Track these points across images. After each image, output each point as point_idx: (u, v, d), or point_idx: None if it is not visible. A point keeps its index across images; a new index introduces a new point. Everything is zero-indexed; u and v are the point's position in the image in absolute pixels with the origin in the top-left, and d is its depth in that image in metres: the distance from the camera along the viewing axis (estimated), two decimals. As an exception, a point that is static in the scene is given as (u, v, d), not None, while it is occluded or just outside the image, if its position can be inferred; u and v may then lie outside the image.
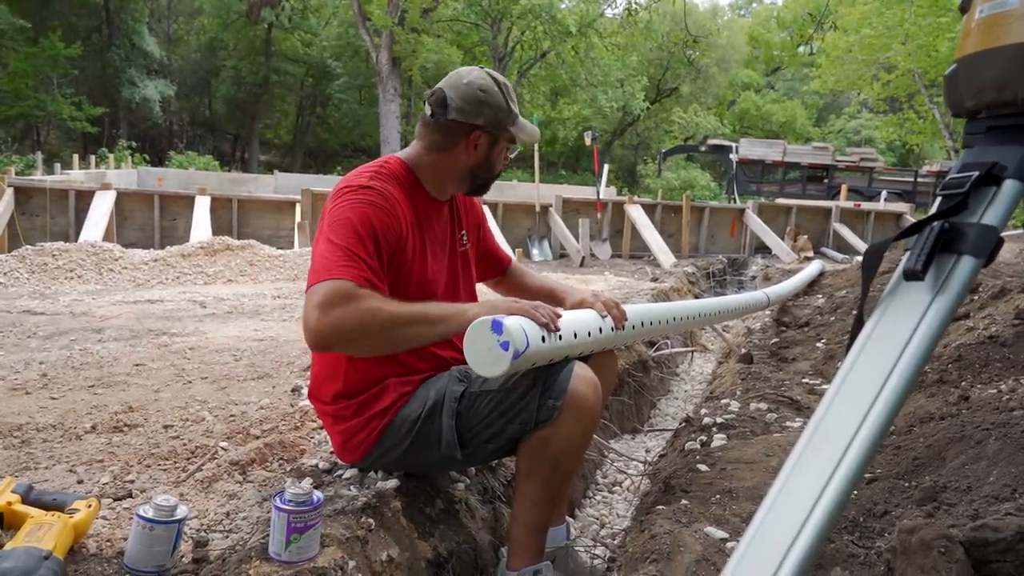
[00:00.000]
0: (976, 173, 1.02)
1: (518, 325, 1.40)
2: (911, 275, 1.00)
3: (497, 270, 2.00)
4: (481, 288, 1.95)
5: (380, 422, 1.61)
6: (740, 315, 4.14)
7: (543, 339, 1.45)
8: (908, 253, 1.03)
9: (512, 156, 1.78)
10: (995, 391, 2.30)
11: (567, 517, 1.96)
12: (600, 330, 1.65)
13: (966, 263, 0.99)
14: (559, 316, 1.52)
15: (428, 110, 1.65)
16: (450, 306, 1.53)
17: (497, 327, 1.38)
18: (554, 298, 1.86)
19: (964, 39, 1.10)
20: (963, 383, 2.52)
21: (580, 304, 1.74)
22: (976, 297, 3.48)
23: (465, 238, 1.82)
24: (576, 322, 1.59)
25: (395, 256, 1.55)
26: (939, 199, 1.06)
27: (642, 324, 1.85)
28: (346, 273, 1.40)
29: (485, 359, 1.39)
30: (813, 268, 6.43)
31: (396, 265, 1.57)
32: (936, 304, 0.97)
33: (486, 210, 2.02)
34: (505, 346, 1.37)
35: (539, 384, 1.50)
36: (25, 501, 1.37)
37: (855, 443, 0.90)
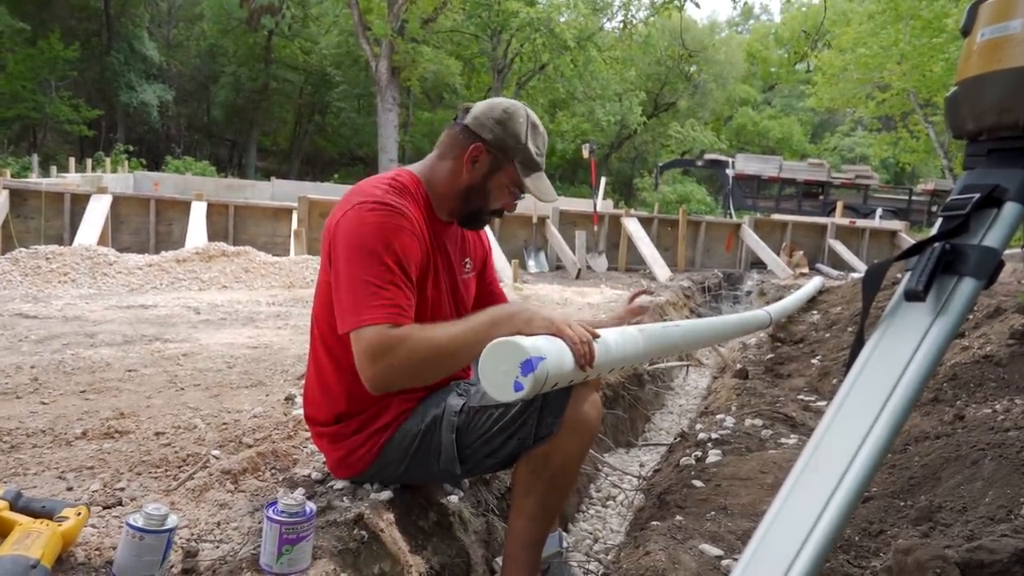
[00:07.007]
0: (977, 195, 1.03)
1: (544, 372, 1.28)
2: (912, 296, 1.00)
3: None
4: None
5: (381, 437, 1.60)
6: (741, 335, 4.09)
7: (565, 371, 1.33)
8: (909, 274, 1.03)
9: (516, 202, 1.66)
10: (990, 411, 2.30)
11: (561, 531, 1.95)
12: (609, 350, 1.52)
13: (967, 285, 0.99)
14: (593, 350, 1.41)
15: (454, 117, 1.65)
16: (493, 316, 1.43)
17: (527, 368, 1.25)
18: None
19: (965, 62, 1.10)
20: (958, 402, 2.52)
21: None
22: (971, 316, 3.49)
23: (468, 265, 1.78)
24: (607, 358, 1.47)
25: (417, 278, 1.52)
26: (940, 220, 1.06)
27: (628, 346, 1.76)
28: (379, 315, 1.37)
29: (497, 380, 1.29)
30: (813, 285, 6.37)
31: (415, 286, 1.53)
32: (937, 325, 0.98)
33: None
34: (518, 387, 1.26)
35: (538, 400, 1.48)
36: (13, 508, 1.34)
37: (855, 464, 0.89)
